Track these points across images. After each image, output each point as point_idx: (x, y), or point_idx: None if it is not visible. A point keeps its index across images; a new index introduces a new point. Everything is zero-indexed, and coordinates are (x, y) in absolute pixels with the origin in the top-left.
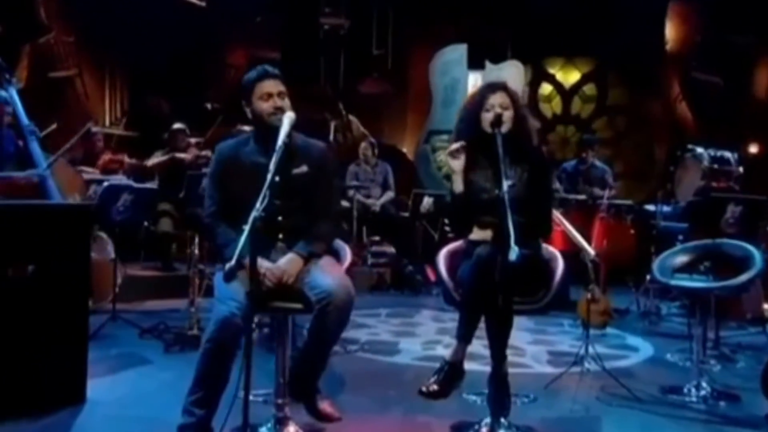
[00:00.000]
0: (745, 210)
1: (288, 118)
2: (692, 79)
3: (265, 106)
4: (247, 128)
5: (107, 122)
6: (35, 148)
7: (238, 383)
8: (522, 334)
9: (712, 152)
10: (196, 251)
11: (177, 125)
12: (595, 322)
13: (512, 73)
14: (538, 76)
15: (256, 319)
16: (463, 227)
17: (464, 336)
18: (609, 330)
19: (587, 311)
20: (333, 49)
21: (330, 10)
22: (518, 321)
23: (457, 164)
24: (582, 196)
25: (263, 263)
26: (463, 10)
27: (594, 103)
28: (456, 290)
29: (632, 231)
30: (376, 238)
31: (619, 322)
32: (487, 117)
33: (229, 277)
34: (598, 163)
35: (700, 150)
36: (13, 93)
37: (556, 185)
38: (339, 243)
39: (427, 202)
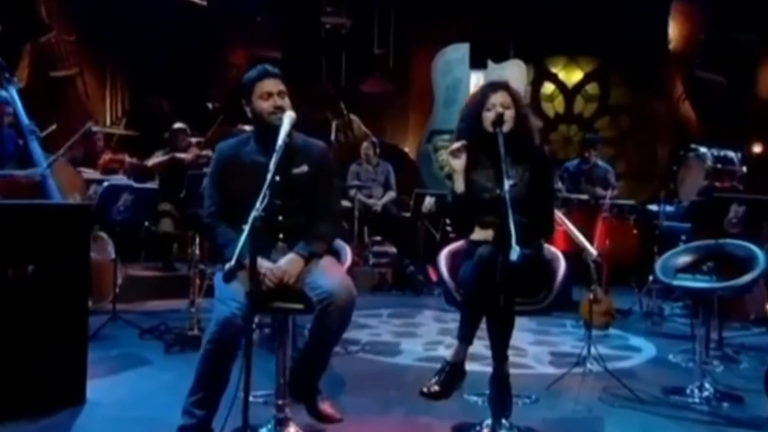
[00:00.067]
0: (748, 210)
1: (288, 117)
2: (695, 78)
3: (265, 106)
4: (248, 128)
5: (108, 122)
6: (35, 147)
7: (239, 384)
8: (524, 334)
9: (715, 152)
10: (197, 251)
11: (178, 125)
12: (598, 323)
13: (514, 72)
14: (541, 75)
15: (256, 320)
16: (464, 227)
17: (465, 336)
18: (611, 330)
19: (589, 312)
20: (334, 48)
21: (331, 9)
22: (520, 321)
23: (458, 164)
24: (584, 196)
25: (264, 263)
26: (465, 8)
27: (596, 103)
28: (457, 290)
29: (635, 231)
30: (378, 238)
31: (621, 323)
32: (489, 116)
33: (229, 277)
34: (600, 162)
35: (703, 149)
36: (14, 93)
37: (559, 185)
38: (339, 243)
39: (428, 201)
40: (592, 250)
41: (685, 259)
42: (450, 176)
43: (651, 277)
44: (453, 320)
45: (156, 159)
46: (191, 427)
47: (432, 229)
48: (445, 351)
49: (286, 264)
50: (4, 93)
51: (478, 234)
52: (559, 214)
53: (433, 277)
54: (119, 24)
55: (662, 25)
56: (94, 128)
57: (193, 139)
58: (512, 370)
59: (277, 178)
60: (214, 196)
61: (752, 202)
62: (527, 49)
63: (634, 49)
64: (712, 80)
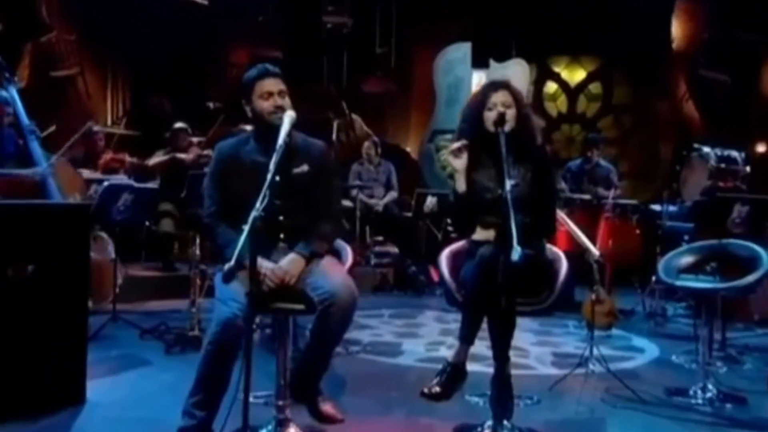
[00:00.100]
0: (752, 210)
1: (288, 117)
2: (699, 78)
3: (265, 105)
4: (248, 127)
5: (109, 121)
6: (35, 147)
7: (239, 384)
8: (526, 335)
9: (718, 151)
10: (198, 251)
11: (179, 124)
12: (600, 324)
13: (517, 71)
14: (543, 74)
15: (257, 320)
16: (465, 227)
17: (467, 337)
18: (614, 331)
19: (592, 312)
20: (336, 47)
21: (333, 8)
22: (523, 322)
23: (459, 163)
24: (587, 196)
25: (265, 264)
26: (467, 7)
27: (599, 102)
28: (458, 291)
29: (638, 231)
30: (379, 238)
31: (624, 323)
32: (490, 116)
33: (229, 277)
34: (603, 162)
35: (706, 149)
36: (14, 92)
37: (562, 185)
38: (340, 243)
39: (430, 201)
40: (595, 251)
41: (688, 260)
42: (452, 176)
43: (654, 278)
44: (455, 321)
45: (157, 159)
46: (191, 428)
47: (434, 229)
48: (447, 351)
49: (287, 264)
50: (4, 93)
51: (480, 234)
52: (561, 214)
53: (435, 277)
54: (120, 23)
55: (666, 24)
56: (95, 128)
57: (195, 139)
58: (514, 371)
59: (278, 177)
60: (214, 195)
61: (756, 201)
62: (530, 48)
63: (638, 48)
64: (716, 79)
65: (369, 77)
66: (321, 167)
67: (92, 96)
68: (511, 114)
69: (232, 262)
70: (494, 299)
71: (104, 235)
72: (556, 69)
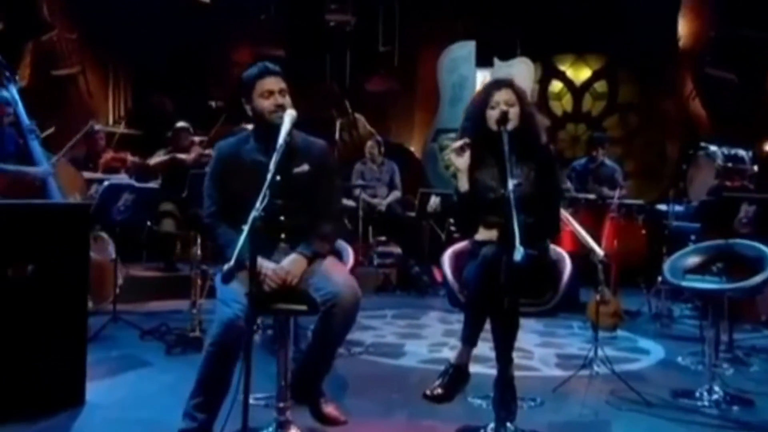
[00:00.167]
0: (759, 210)
1: (289, 116)
2: (706, 76)
3: (266, 104)
4: (250, 127)
5: (110, 120)
6: (36, 146)
7: (239, 386)
8: (530, 336)
9: (725, 150)
10: (199, 252)
11: (180, 124)
12: (605, 325)
13: (522, 70)
14: (548, 73)
15: (259, 321)
16: (468, 227)
17: (469, 338)
18: (619, 332)
19: (597, 313)
20: (339, 46)
21: (336, 6)
22: (527, 323)
23: (462, 162)
24: (592, 196)
25: (267, 264)
26: (472, 5)
27: (605, 101)
28: (461, 291)
29: (643, 231)
30: (383, 238)
31: (629, 325)
32: (493, 114)
33: (228, 278)
34: (608, 161)
35: (713, 148)
36: (14, 92)
37: (568, 185)
38: (341, 244)
39: (434, 201)
40: (599, 251)
41: (694, 260)
42: (455, 175)
43: (660, 278)
44: (458, 321)
45: (158, 158)
46: (192, 430)
47: (437, 229)
48: (450, 353)
49: (289, 265)
50: (4, 92)
51: (483, 234)
52: (565, 214)
53: (438, 277)
54: (122, 22)
55: (672, 21)
56: (96, 126)
57: (196, 138)
58: (518, 372)
59: (278, 177)
60: (214, 195)
61: (763, 201)
62: (534, 47)
63: (644, 47)
64: (723, 78)
65: (372, 76)
66: (322, 167)
67: (93, 95)
68: (514, 112)
69: (232, 263)
70: (497, 300)
71: (105, 235)
72: (561, 67)
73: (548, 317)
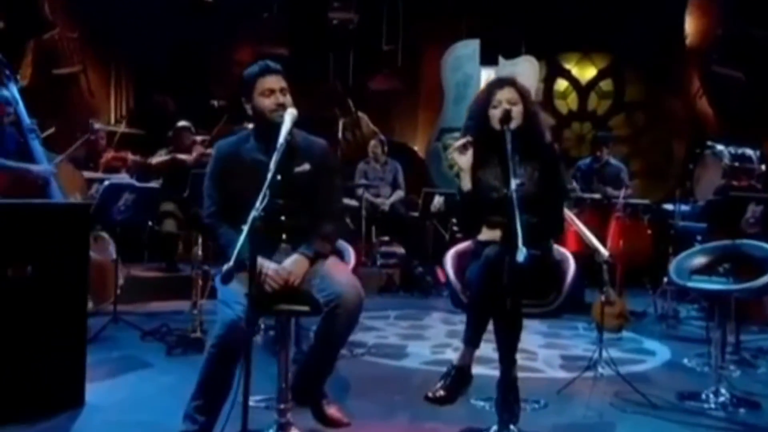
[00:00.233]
0: (766, 210)
1: (290, 114)
2: (713, 74)
3: (267, 103)
4: (251, 126)
5: (112, 119)
6: (36, 146)
7: (239, 387)
8: (535, 337)
9: (733, 150)
10: (200, 252)
11: (182, 123)
12: (610, 326)
13: (526, 68)
14: (554, 71)
15: (261, 322)
16: (471, 227)
17: (472, 339)
18: (624, 333)
19: (602, 314)
20: (342, 44)
21: (339, 4)
22: (531, 324)
23: (464, 160)
24: (597, 195)
25: (269, 265)
26: (476, 4)
27: (611, 100)
28: (464, 292)
29: (649, 231)
30: (386, 238)
31: (635, 326)
32: (495, 113)
33: (227, 278)
34: (613, 161)
35: (720, 147)
36: (15, 91)
37: (573, 184)
38: (343, 244)
39: (438, 201)
40: (603, 251)
41: (700, 260)
42: (459, 175)
43: (666, 279)
44: (461, 322)
45: (159, 158)
46: None
47: (441, 229)
48: (453, 354)
49: (290, 265)
50: (5, 92)
51: (486, 234)
52: (569, 214)
53: (442, 278)
54: (123, 21)
55: (678, 19)
56: (96, 125)
57: (198, 138)
58: (521, 374)
59: (279, 177)
60: (214, 195)
61: None
62: (539, 45)
63: (650, 45)
64: (730, 76)
65: (376, 75)
66: (323, 166)
67: (95, 94)
68: (517, 111)
69: (231, 263)
70: (499, 301)
71: (105, 235)
72: (567, 66)
73: (552, 318)
